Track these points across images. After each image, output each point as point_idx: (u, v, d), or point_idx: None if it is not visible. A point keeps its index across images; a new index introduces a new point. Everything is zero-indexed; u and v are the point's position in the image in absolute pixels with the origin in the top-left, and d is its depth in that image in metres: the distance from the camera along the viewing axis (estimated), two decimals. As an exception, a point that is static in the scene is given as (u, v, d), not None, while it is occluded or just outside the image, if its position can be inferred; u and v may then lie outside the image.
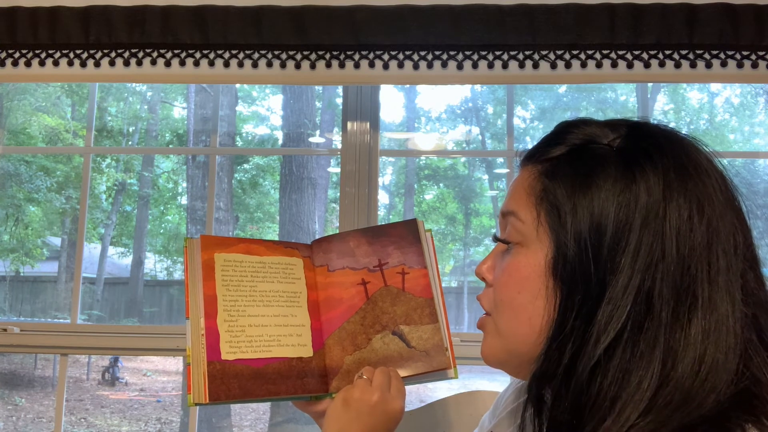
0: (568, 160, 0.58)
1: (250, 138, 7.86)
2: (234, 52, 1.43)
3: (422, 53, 1.42)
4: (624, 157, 0.55)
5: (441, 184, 8.49)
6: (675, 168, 0.54)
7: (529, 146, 0.65)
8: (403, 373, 0.82)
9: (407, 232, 0.89)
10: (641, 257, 0.51)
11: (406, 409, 0.95)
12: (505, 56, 1.40)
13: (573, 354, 0.52)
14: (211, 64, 1.43)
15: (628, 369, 0.50)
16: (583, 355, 0.51)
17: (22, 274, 7.66)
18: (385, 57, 1.42)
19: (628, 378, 0.50)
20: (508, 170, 1.78)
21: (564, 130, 0.62)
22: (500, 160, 8.24)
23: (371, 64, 1.42)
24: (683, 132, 0.59)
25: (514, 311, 0.59)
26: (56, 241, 8.09)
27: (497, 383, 0.81)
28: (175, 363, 7.44)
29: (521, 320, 0.59)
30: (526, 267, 0.58)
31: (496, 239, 0.65)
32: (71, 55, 1.45)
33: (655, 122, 0.61)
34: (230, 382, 0.76)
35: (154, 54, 1.45)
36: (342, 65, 1.43)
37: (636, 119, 0.61)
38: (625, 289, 0.51)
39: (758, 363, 0.51)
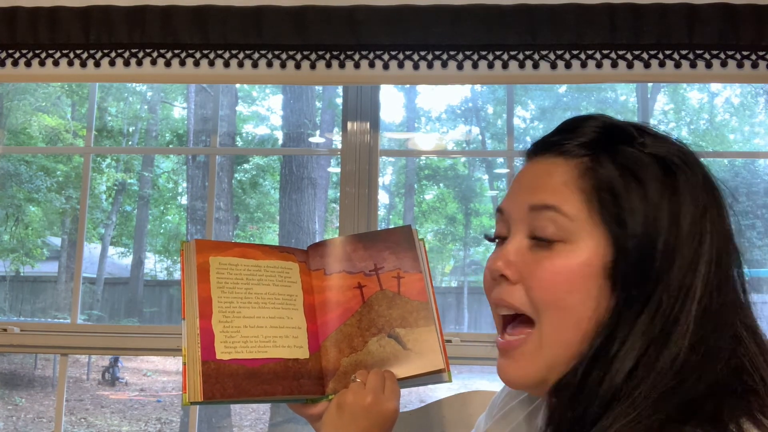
0: (614, 159, 0.58)
1: (250, 138, 7.86)
2: (234, 52, 1.43)
3: (422, 53, 1.41)
4: (666, 164, 0.57)
5: (441, 184, 8.50)
6: (704, 177, 0.58)
7: (530, 146, 0.65)
8: (398, 374, 0.82)
9: (402, 238, 0.90)
10: (686, 257, 0.54)
11: (406, 410, 0.95)
12: (505, 56, 1.40)
13: (615, 354, 0.53)
14: (211, 64, 1.43)
15: (656, 362, 0.52)
16: (625, 355, 0.53)
17: (22, 274, 7.67)
18: (385, 57, 1.42)
19: (654, 369, 0.52)
20: (508, 170, 1.78)
21: (594, 124, 0.60)
22: (500, 160, 8.24)
23: (371, 64, 1.42)
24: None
25: (562, 313, 0.56)
26: (56, 241, 8.10)
27: (497, 383, 0.81)
28: (175, 363, 7.44)
29: (569, 324, 0.56)
30: (577, 265, 0.56)
31: (534, 237, 0.59)
32: (71, 55, 1.45)
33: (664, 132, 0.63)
34: (225, 381, 0.77)
35: (154, 54, 1.45)
36: (342, 65, 1.43)
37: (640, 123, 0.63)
38: (672, 288, 0.54)
39: (746, 353, 0.54)
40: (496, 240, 0.65)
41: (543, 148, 0.62)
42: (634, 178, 0.56)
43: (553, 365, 0.57)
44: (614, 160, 0.57)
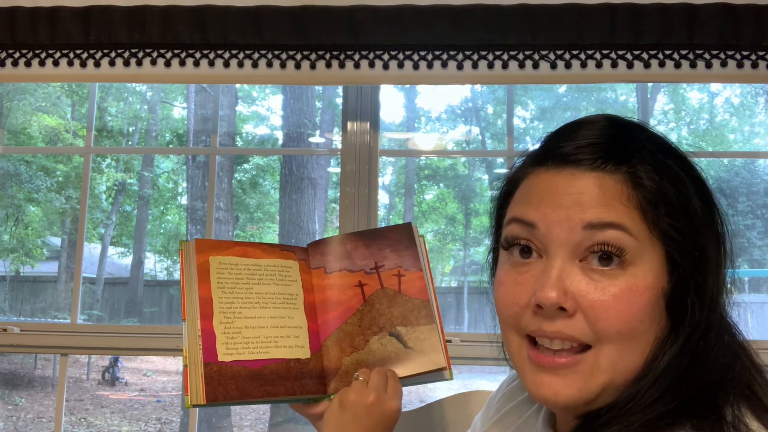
0: (651, 168, 0.54)
1: (250, 138, 7.86)
2: (234, 52, 1.43)
3: (422, 53, 1.41)
4: (682, 166, 0.57)
5: (441, 184, 8.49)
6: (701, 176, 0.59)
7: (530, 146, 0.63)
8: (400, 373, 0.82)
9: (403, 236, 0.90)
10: (714, 265, 0.55)
11: (406, 410, 0.95)
12: (505, 56, 1.40)
13: (667, 371, 0.53)
14: (211, 64, 1.43)
15: (690, 373, 0.53)
16: (673, 370, 0.53)
17: (22, 274, 7.67)
18: (385, 57, 1.42)
19: (687, 379, 0.53)
20: (508, 170, 1.78)
21: (629, 134, 0.57)
22: (500, 160, 8.24)
23: (371, 64, 1.42)
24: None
25: (630, 341, 0.53)
26: (56, 241, 8.10)
27: (497, 383, 0.81)
28: (175, 363, 7.43)
29: (636, 350, 0.53)
30: (645, 290, 0.52)
31: (584, 259, 0.54)
32: (71, 55, 1.45)
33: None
34: (227, 383, 0.76)
35: (154, 54, 1.45)
36: (342, 65, 1.43)
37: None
38: (707, 297, 0.54)
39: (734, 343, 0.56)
40: (509, 247, 0.58)
41: (563, 159, 0.56)
42: (675, 186, 0.54)
43: (609, 387, 0.54)
44: (652, 169, 0.54)
